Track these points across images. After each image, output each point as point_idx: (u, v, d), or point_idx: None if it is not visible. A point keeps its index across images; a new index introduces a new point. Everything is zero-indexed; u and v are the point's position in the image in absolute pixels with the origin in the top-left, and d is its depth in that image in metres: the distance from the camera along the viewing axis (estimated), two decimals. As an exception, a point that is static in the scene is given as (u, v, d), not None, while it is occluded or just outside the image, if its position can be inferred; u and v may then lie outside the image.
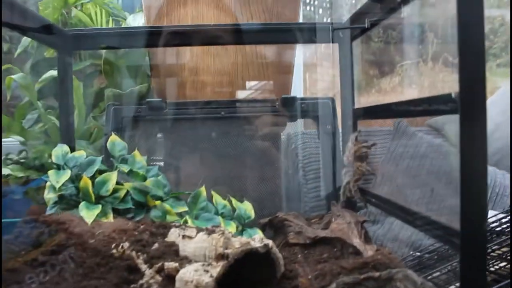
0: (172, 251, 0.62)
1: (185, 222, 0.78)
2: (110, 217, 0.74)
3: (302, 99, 1.05)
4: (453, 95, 0.55)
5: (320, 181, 1.13)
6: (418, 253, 1.09)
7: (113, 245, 0.64)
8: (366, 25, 0.88)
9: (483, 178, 0.50)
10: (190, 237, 0.63)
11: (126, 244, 0.63)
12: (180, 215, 0.81)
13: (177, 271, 0.58)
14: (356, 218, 0.80)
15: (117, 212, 0.77)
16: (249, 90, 1.10)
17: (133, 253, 0.62)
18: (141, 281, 0.59)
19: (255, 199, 0.93)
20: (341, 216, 0.82)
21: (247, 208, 0.87)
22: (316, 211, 1.16)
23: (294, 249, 0.80)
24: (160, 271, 0.59)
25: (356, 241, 0.74)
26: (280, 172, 1.07)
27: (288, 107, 1.04)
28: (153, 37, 0.97)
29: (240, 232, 0.84)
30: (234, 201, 0.87)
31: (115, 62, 1.16)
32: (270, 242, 0.66)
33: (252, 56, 1.09)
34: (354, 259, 0.69)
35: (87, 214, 0.72)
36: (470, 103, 0.50)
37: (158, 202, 0.80)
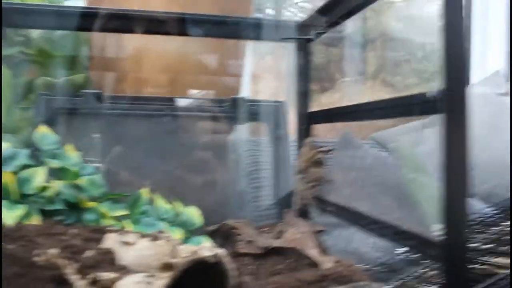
0: (108, 260, 0.53)
1: (124, 227, 0.69)
2: (36, 219, 0.64)
3: (252, 101, 0.99)
4: (427, 94, 0.52)
5: (266, 189, 1.08)
6: (367, 266, 1.06)
7: (37, 252, 0.54)
8: (312, 37, 0.85)
9: (463, 183, 0.46)
10: (130, 244, 0.54)
11: (53, 251, 0.53)
12: (118, 219, 0.72)
13: (114, 283, 0.50)
14: (311, 228, 0.75)
15: (44, 214, 0.67)
16: (196, 88, 1.02)
17: (61, 262, 0.52)
18: (70, 295, 0.50)
19: (200, 205, 0.86)
20: (295, 225, 0.76)
21: (193, 213, 0.79)
22: (262, 221, 1.10)
23: (244, 260, 0.73)
24: (93, 283, 0.50)
25: (313, 252, 0.69)
26: (228, 177, 1.00)
27: (237, 109, 0.97)
28: (91, 19, 0.86)
29: (186, 240, 0.76)
30: (179, 205, 0.79)
31: (48, 50, 1.05)
32: (220, 251, 0.59)
33: (200, 52, 1.02)
34: (312, 272, 0.63)
35: (8, 215, 0.61)
36: (454, 100, 0.46)
37: (93, 204, 0.70)
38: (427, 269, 1.01)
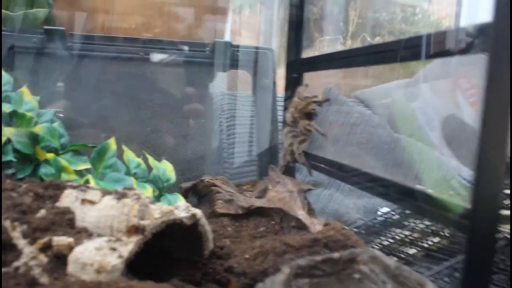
0: (66, 221, 0.45)
1: (87, 182, 0.60)
2: (-20, 173, 0.54)
3: (236, 46, 0.90)
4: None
5: (248, 145, 1.00)
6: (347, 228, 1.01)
7: (-21, 211, 0.45)
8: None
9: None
10: (92, 202, 0.46)
11: (-2, 210, 0.45)
12: (81, 173, 0.63)
13: (71, 249, 0.42)
14: (299, 186, 0.68)
15: (-9, 166, 0.57)
16: (174, 31, 0.92)
17: (7, 223, 0.43)
18: (16, 263, 0.41)
19: (174, 160, 0.78)
20: (281, 183, 0.68)
21: (166, 168, 0.70)
22: (240, 179, 1.02)
23: (223, 221, 0.66)
24: (46, 248, 0.42)
25: (301, 213, 0.62)
26: (205, 131, 0.92)
27: (219, 54, 0.87)
28: None
29: (157, 198, 0.68)
30: (150, 159, 0.70)
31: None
32: (198, 212, 0.51)
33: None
34: (301, 235, 0.56)
35: None
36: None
37: (51, 156, 0.61)
38: (411, 231, 0.96)
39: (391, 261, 0.44)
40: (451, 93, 1.12)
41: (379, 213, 1.15)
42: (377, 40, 2.03)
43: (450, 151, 1.02)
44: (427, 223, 0.97)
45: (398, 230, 0.99)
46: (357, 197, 1.25)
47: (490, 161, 0.39)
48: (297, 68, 0.79)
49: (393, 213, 1.12)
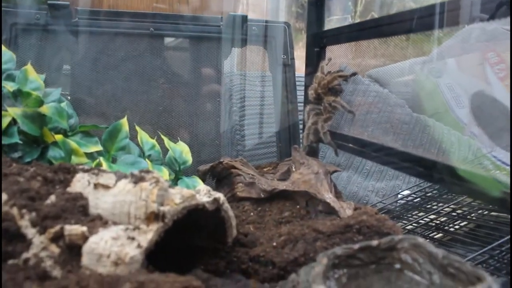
0: (78, 208, 0.41)
1: (98, 165, 0.56)
2: (-16, 156, 0.50)
3: (252, 20, 0.84)
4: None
5: (262, 126, 0.95)
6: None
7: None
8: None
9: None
10: (106, 187, 0.42)
11: (4, 197, 0.41)
12: (92, 156, 0.59)
13: (85, 238, 0.37)
14: (325, 168, 0.63)
15: (-4, 149, 0.53)
16: (187, 4, 0.87)
17: (14, 211, 0.39)
18: (25, 255, 0.38)
19: (189, 142, 0.73)
20: (305, 165, 0.64)
21: (183, 150, 0.66)
22: (254, 161, 0.98)
23: (244, 205, 0.61)
24: (57, 238, 0.38)
25: (328, 197, 0.57)
26: (220, 110, 0.87)
27: (235, 29, 0.82)
28: None
29: (174, 182, 0.63)
30: (166, 140, 0.66)
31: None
32: (221, 196, 0.47)
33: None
34: (331, 220, 0.52)
35: None
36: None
37: (59, 138, 0.57)
38: (437, 215, 0.92)
39: (438, 249, 0.39)
40: (479, 68, 1.06)
41: (399, 196, 1.11)
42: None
43: (480, 129, 0.97)
44: (453, 206, 0.93)
45: (422, 214, 0.95)
46: (376, 179, 1.21)
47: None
48: (319, 42, 0.74)
49: (414, 195, 1.08)
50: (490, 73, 0.98)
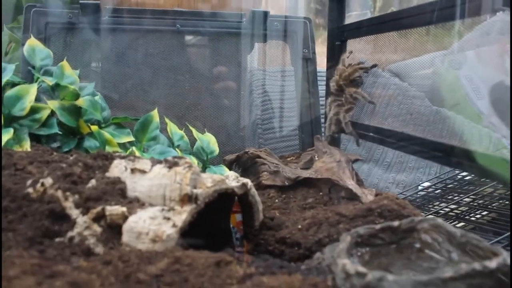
0: (117, 191, 0.44)
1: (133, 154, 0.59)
2: (27, 145, 0.54)
3: (274, 16, 0.87)
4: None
5: (284, 118, 0.97)
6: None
7: (30, 182, 0.45)
8: None
9: None
10: (143, 171, 0.45)
11: (49, 181, 0.44)
12: (124, 146, 0.62)
13: (125, 218, 0.41)
14: (346, 156, 0.65)
15: (37, 140, 0.57)
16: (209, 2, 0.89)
17: (59, 193, 0.43)
18: (70, 233, 0.41)
19: (215, 133, 0.76)
20: (328, 154, 0.66)
21: (210, 140, 0.69)
22: (281, 152, 1.00)
23: (269, 193, 0.64)
24: (99, 218, 0.41)
25: (351, 183, 0.59)
26: (244, 104, 0.90)
27: (257, 25, 0.85)
28: None
29: (202, 170, 0.66)
30: (194, 131, 0.69)
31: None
32: (248, 181, 0.50)
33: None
34: (353, 205, 0.54)
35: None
36: None
37: (94, 129, 0.60)
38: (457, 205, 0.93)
39: (457, 229, 0.41)
40: (499, 59, 1.06)
41: (420, 187, 1.12)
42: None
43: (500, 120, 0.97)
44: (473, 196, 0.94)
45: (442, 204, 0.96)
46: (396, 171, 1.22)
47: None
48: (340, 35, 0.76)
49: (434, 187, 1.09)
50: (509, 64, 0.98)
